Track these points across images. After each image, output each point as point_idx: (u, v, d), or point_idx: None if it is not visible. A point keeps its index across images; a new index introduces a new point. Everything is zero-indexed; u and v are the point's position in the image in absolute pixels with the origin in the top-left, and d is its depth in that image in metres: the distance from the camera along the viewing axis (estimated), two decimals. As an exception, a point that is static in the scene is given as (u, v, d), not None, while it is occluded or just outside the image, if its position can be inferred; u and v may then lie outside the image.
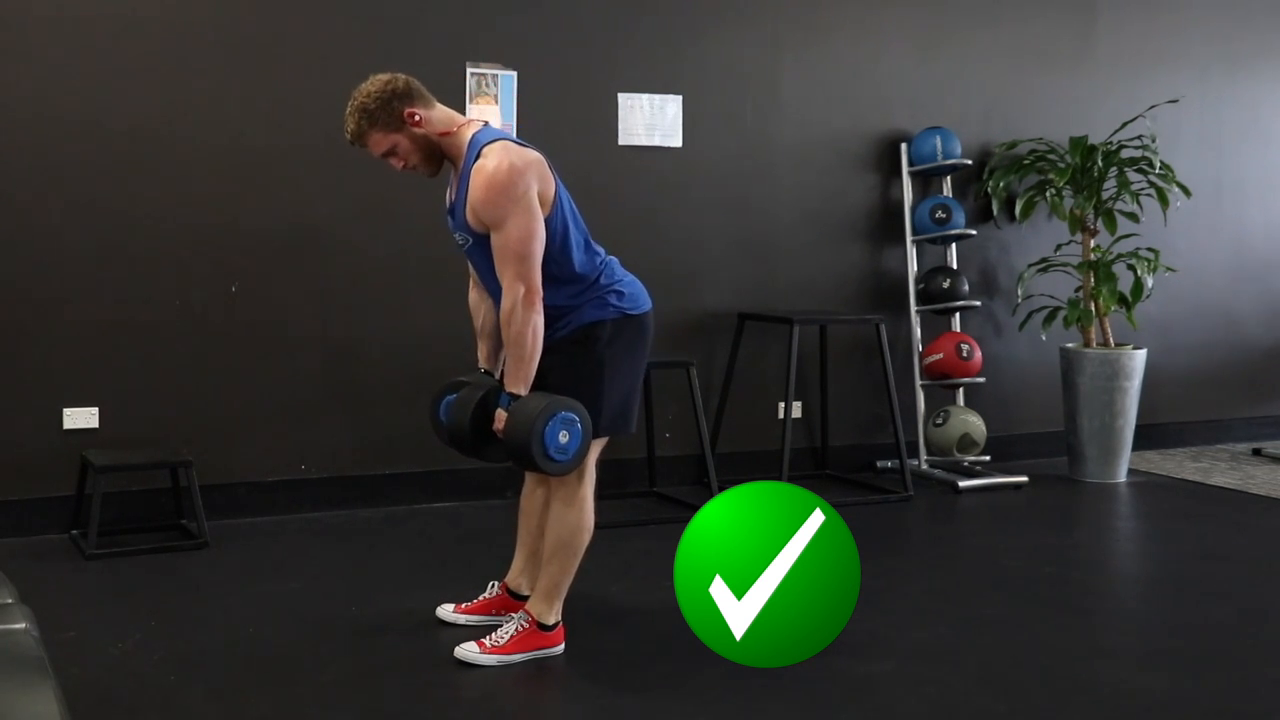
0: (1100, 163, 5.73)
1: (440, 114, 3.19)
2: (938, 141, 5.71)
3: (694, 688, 3.10)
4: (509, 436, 3.05)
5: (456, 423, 3.21)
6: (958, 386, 5.83)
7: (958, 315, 5.88)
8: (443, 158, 3.22)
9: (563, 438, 3.03)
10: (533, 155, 3.13)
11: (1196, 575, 4.31)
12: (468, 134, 3.16)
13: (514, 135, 3.20)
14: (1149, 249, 5.79)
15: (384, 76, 3.16)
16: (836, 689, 3.12)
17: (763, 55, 5.52)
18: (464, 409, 3.19)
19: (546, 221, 3.10)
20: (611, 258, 3.34)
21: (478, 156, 3.08)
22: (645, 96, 5.29)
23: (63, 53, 4.38)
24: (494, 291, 3.21)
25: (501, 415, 3.09)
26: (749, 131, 5.52)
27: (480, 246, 3.14)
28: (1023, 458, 6.07)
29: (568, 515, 3.25)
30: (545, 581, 3.29)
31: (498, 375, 3.34)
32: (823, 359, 5.68)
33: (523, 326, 3.04)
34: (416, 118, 3.13)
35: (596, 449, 3.28)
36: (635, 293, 3.31)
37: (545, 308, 3.13)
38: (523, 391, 3.08)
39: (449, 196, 3.24)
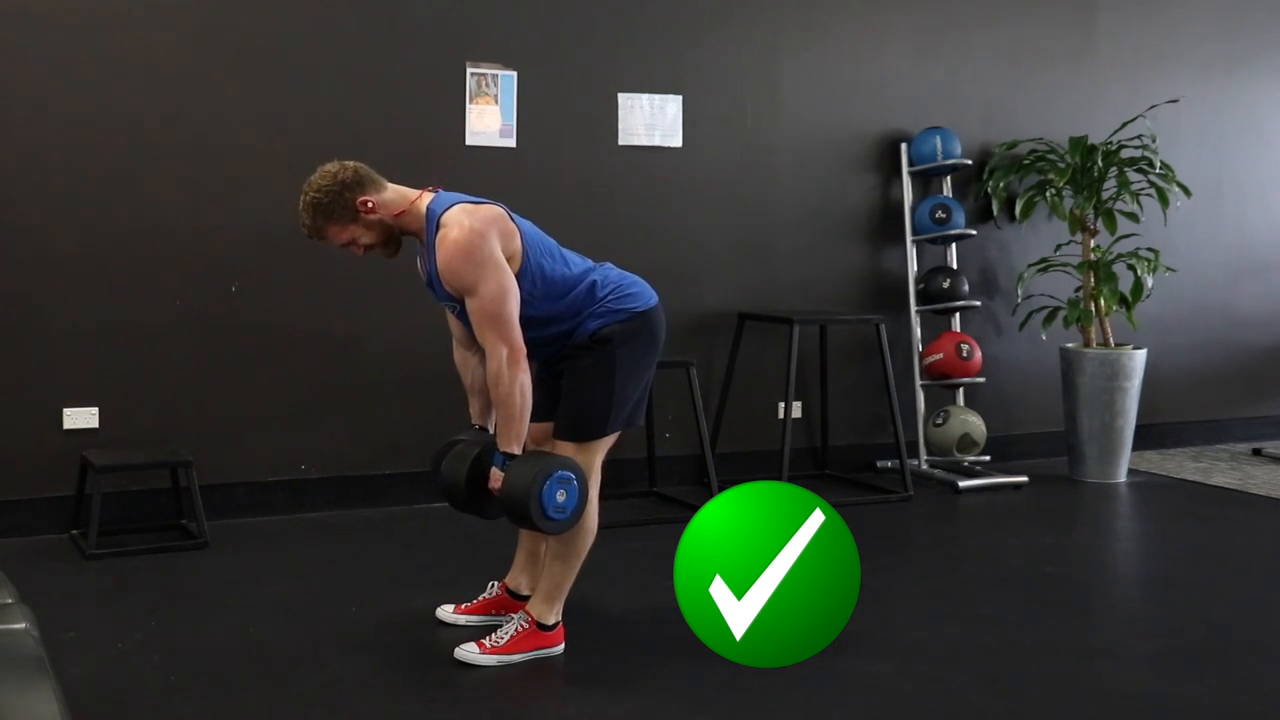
0: (1100, 163, 5.73)
1: (392, 195, 3.14)
2: (938, 141, 5.71)
3: (694, 688, 3.10)
4: (506, 497, 3.06)
5: (452, 481, 3.21)
6: (958, 386, 5.82)
7: (958, 315, 5.88)
8: (401, 238, 3.20)
9: (560, 497, 3.04)
10: (491, 211, 3.11)
11: (1196, 575, 4.31)
12: (422, 207, 3.13)
13: (466, 195, 3.17)
14: (1149, 249, 5.80)
15: (331, 167, 3.11)
16: (836, 689, 3.12)
17: (763, 55, 5.52)
18: (459, 467, 3.20)
19: (520, 274, 3.10)
20: (606, 265, 3.33)
21: (439, 227, 3.06)
22: (645, 96, 5.29)
23: (62, 53, 4.38)
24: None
25: (497, 475, 3.09)
26: (749, 131, 5.52)
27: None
28: (1023, 458, 6.07)
29: None
30: (547, 583, 3.30)
31: (491, 431, 3.31)
32: (823, 359, 5.68)
33: (510, 387, 3.03)
34: (369, 204, 3.10)
35: (605, 447, 3.29)
36: (637, 291, 3.29)
37: (554, 335, 3.17)
38: (516, 451, 3.09)
39: (422, 270, 3.23)
